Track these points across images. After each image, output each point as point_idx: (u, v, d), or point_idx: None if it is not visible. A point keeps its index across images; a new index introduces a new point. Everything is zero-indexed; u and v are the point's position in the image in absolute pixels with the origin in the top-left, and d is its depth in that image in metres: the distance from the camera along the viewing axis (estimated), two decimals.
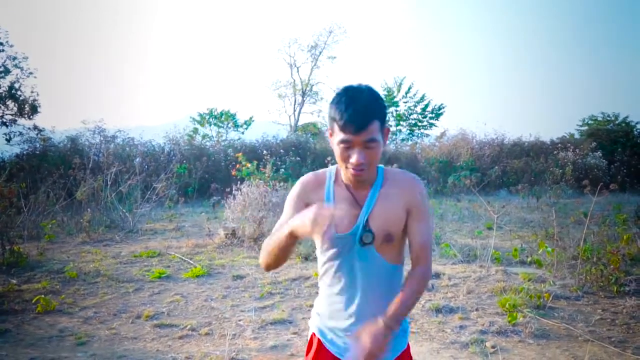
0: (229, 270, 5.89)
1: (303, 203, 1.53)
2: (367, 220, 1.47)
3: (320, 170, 1.61)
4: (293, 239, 1.35)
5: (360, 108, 1.36)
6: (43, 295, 4.58)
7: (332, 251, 1.52)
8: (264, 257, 1.48)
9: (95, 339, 3.82)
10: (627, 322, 4.03)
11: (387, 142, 1.52)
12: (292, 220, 1.34)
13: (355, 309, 1.52)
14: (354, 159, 1.39)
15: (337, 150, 1.42)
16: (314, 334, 1.65)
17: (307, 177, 1.60)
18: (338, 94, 1.43)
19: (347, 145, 1.39)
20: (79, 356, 3.51)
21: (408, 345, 1.63)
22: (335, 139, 1.41)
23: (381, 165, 1.55)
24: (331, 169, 1.59)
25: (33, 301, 4.51)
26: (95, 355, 3.53)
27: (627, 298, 4.59)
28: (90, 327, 4.10)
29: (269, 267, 1.50)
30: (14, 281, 5.31)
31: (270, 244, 1.44)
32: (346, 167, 1.44)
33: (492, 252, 6.08)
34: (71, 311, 4.47)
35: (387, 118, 1.46)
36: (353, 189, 1.51)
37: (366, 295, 1.51)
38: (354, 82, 1.45)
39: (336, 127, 1.40)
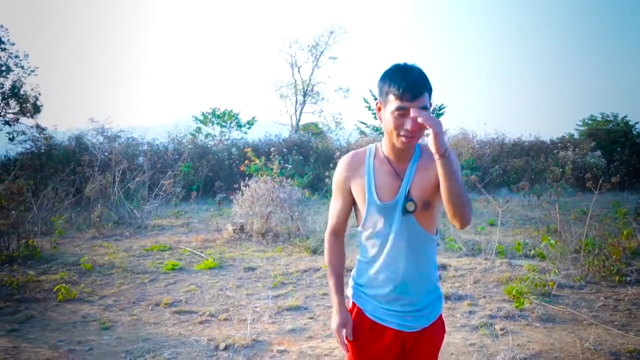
0: (240, 263, 6.03)
1: (347, 187, 1.71)
2: (408, 190, 1.62)
3: (360, 149, 1.76)
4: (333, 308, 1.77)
5: (416, 79, 1.53)
6: (63, 285, 4.71)
7: (375, 220, 1.65)
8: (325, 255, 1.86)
9: (119, 324, 3.96)
10: (629, 308, 4.20)
11: None
12: (334, 310, 1.76)
13: (396, 275, 1.64)
14: (408, 125, 1.53)
15: (390, 119, 1.55)
16: (353, 302, 1.77)
17: (349, 156, 1.75)
18: (390, 70, 1.58)
19: (402, 113, 1.53)
20: (105, 339, 3.66)
21: (441, 314, 1.77)
22: (390, 108, 1.55)
23: (418, 142, 1.69)
24: (371, 146, 1.74)
25: (54, 290, 4.64)
26: (120, 338, 3.67)
27: (629, 287, 4.75)
28: (111, 313, 4.24)
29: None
30: (32, 272, 5.44)
31: (327, 272, 1.82)
32: (398, 135, 1.57)
33: (496, 245, 6.24)
34: (91, 299, 4.61)
35: (432, 93, 1.61)
36: (394, 162, 1.66)
37: (405, 262, 1.63)
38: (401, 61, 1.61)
39: (391, 97, 1.54)
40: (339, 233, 1.79)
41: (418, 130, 1.55)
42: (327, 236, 1.81)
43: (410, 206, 1.61)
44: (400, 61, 1.60)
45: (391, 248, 1.64)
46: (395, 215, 1.62)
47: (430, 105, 1.62)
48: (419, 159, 1.66)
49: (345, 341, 1.73)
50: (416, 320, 1.67)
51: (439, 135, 1.47)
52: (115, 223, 8.79)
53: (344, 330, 1.71)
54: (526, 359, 3.19)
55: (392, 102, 1.55)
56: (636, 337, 3.53)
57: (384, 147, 1.68)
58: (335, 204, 1.76)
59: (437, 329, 1.73)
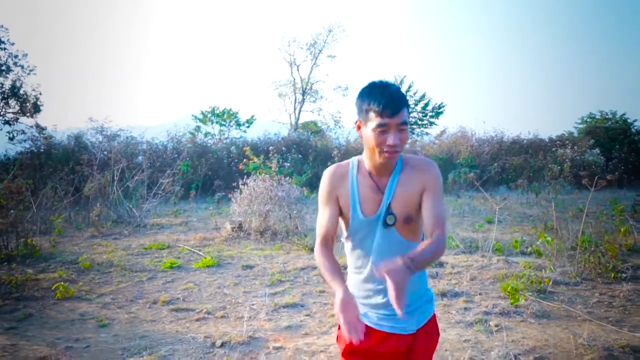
0: (238, 261, 6.05)
1: (334, 198, 1.71)
2: (389, 204, 1.65)
3: (344, 162, 1.77)
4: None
5: (394, 95, 1.55)
6: (61, 283, 4.74)
7: (359, 232, 1.69)
8: (319, 266, 1.68)
9: (116, 322, 3.99)
10: (624, 304, 4.22)
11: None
12: (337, 293, 1.47)
13: (384, 284, 1.64)
14: (390, 140, 1.54)
15: (372, 136, 1.57)
16: None
17: (332, 169, 1.75)
18: (367, 88, 1.60)
19: (384, 129, 1.54)
20: (103, 336, 3.68)
21: (434, 314, 1.79)
22: (371, 125, 1.56)
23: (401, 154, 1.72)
24: (353, 160, 1.75)
25: (52, 288, 4.67)
26: (117, 335, 3.70)
27: (624, 283, 4.77)
28: (109, 311, 4.26)
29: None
30: (31, 271, 5.47)
31: (321, 269, 1.64)
32: (381, 152, 1.58)
33: (493, 243, 6.26)
34: (89, 297, 4.64)
35: (409, 107, 1.63)
36: (375, 176, 1.68)
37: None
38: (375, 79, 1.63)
39: (372, 115, 1.55)
40: (329, 243, 1.72)
41: (401, 144, 1.57)
42: (317, 247, 1.70)
43: (390, 219, 1.63)
44: (376, 79, 1.63)
45: (375, 259, 1.66)
46: (378, 228, 1.65)
47: (408, 122, 1.62)
48: (400, 172, 1.67)
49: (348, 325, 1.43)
50: (407, 322, 1.69)
51: (398, 294, 1.37)
52: (114, 222, 8.82)
53: (349, 309, 1.43)
54: (520, 354, 3.21)
55: (373, 120, 1.56)
56: (630, 332, 3.56)
57: (366, 161, 1.70)
58: (323, 214, 1.72)
59: (430, 330, 1.75)
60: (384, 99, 1.53)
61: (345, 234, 1.75)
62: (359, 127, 1.64)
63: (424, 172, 1.66)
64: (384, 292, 1.66)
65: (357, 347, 1.70)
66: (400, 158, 1.69)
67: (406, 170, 1.67)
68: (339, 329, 1.79)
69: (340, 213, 1.73)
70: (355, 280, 1.76)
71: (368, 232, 1.66)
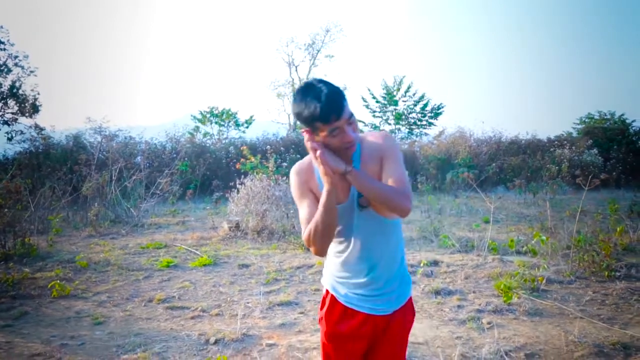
0: (234, 260, 6.08)
1: (307, 189, 1.72)
2: None
3: (305, 158, 1.78)
4: (332, 195, 1.56)
5: (330, 96, 1.51)
6: (57, 282, 4.76)
7: (339, 222, 1.68)
8: (315, 242, 1.60)
9: (111, 320, 4.01)
10: (616, 302, 4.25)
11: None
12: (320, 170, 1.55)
13: (364, 266, 1.71)
14: (347, 138, 1.56)
15: (327, 141, 1.57)
16: (327, 290, 1.84)
17: (297, 167, 1.77)
18: (301, 96, 1.55)
19: (336, 132, 1.55)
20: (98, 334, 3.71)
21: (411, 297, 1.84)
22: (323, 133, 1.55)
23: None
24: None
25: (49, 286, 4.70)
26: (112, 333, 3.72)
27: (618, 282, 4.80)
28: (105, 309, 4.29)
29: (323, 248, 1.64)
30: (27, 269, 5.49)
31: (318, 222, 1.58)
32: (341, 149, 1.59)
33: (489, 242, 6.29)
34: (85, 296, 4.66)
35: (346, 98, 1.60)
36: None
37: (371, 252, 1.70)
38: (299, 85, 1.61)
39: (319, 124, 1.53)
40: None
41: (355, 135, 1.59)
42: (305, 231, 1.69)
43: (364, 201, 1.66)
44: (300, 85, 1.59)
45: (355, 242, 1.70)
46: (354, 212, 1.68)
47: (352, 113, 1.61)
48: (360, 155, 1.68)
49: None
50: (386, 303, 1.73)
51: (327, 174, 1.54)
52: (112, 221, 8.84)
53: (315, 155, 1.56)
54: (511, 351, 3.24)
55: (322, 129, 1.55)
56: (621, 329, 3.58)
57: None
58: (303, 208, 1.71)
59: (406, 312, 1.80)
60: (324, 105, 1.49)
61: None
62: (310, 134, 1.59)
63: (380, 145, 1.67)
64: (365, 271, 1.71)
65: (338, 331, 1.76)
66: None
67: (365, 149, 1.68)
68: (321, 308, 1.84)
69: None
70: (335, 263, 1.78)
71: (346, 217, 1.69)
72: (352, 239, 1.71)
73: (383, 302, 1.73)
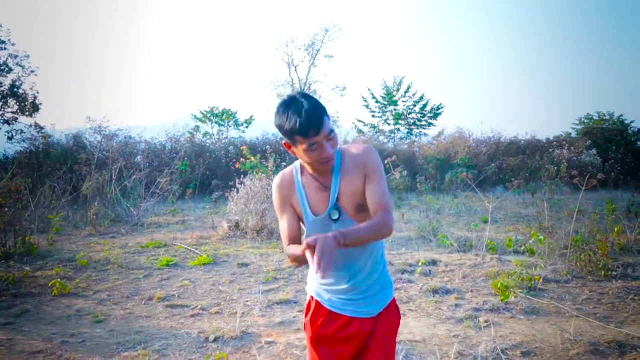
0: (234, 259, 6.11)
1: (289, 205, 1.76)
2: (337, 199, 1.70)
3: (286, 169, 1.82)
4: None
5: (311, 111, 1.54)
6: (58, 280, 4.79)
7: (316, 231, 1.72)
8: (290, 261, 1.69)
9: (112, 318, 4.05)
10: (612, 301, 4.28)
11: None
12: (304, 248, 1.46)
13: (345, 274, 1.75)
14: (325, 154, 1.59)
15: (306, 156, 1.61)
16: (311, 296, 1.88)
17: (278, 180, 1.80)
18: (281, 112, 1.59)
19: (314, 147, 1.58)
20: (98, 332, 3.74)
21: (394, 298, 1.87)
22: (301, 147, 1.59)
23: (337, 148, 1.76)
24: (295, 164, 1.80)
25: (49, 285, 4.73)
26: (112, 331, 3.75)
27: (614, 281, 4.84)
28: (105, 307, 4.32)
29: (298, 266, 1.72)
30: (28, 268, 5.52)
31: (291, 256, 1.65)
32: (319, 164, 1.63)
33: (487, 242, 6.32)
34: (85, 294, 4.69)
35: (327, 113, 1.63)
36: (319, 177, 1.73)
37: (351, 261, 1.74)
38: (281, 99, 1.64)
39: (298, 138, 1.57)
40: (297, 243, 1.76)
41: (334, 151, 1.62)
42: (286, 246, 1.75)
43: (334, 214, 1.69)
44: (283, 98, 1.64)
45: (337, 251, 1.72)
46: (332, 223, 1.71)
47: (333, 129, 1.64)
48: (341, 166, 1.71)
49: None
50: (369, 306, 1.77)
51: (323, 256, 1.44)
52: (112, 221, 8.87)
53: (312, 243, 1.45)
54: (507, 349, 3.27)
55: (301, 142, 1.58)
56: (616, 328, 3.62)
57: (307, 167, 1.73)
58: (284, 223, 1.76)
59: (391, 314, 1.83)
60: (304, 119, 1.53)
61: (304, 234, 1.81)
62: (288, 147, 1.65)
63: (362, 159, 1.70)
64: (346, 278, 1.75)
65: (323, 333, 1.79)
66: (338, 152, 1.72)
67: (345, 161, 1.71)
68: (305, 315, 1.87)
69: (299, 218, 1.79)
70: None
71: (323, 229, 1.69)
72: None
73: (366, 305, 1.77)
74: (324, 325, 1.79)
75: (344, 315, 1.77)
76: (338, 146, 1.69)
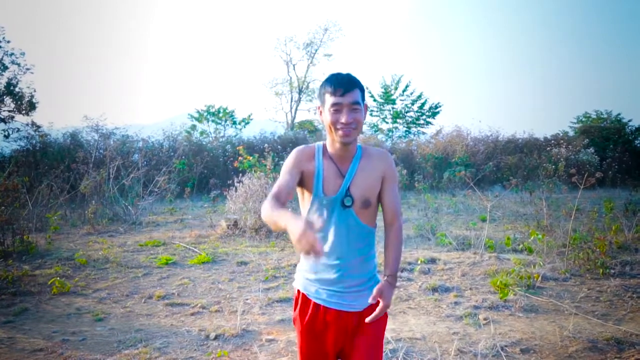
0: (233, 258, 6.11)
1: (298, 170, 1.80)
2: (348, 187, 1.77)
3: (311, 144, 1.89)
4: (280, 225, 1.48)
5: (345, 77, 1.73)
6: (57, 279, 4.78)
7: (319, 211, 1.78)
8: (264, 218, 1.58)
9: (112, 316, 4.05)
10: (610, 299, 4.31)
11: (366, 117, 1.81)
12: (289, 222, 1.40)
13: (337, 262, 1.77)
14: (343, 118, 1.69)
15: (328, 116, 1.71)
16: (299, 290, 1.88)
17: (301, 148, 1.86)
18: (325, 79, 1.77)
19: (337, 108, 1.69)
20: (98, 330, 3.74)
21: None
22: (327, 106, 1.72)
23: (359, 144, 1.85)
24: (319, 144, 1.86)
25: (49, 283, 4.72)
26: (113, 329, 3.75)
27: (612, 279, 4.86)
28: (105, 306, 4.32)
29: (269, 224, 1.61)
30: (27, 267, 5.51)
31: (268, 216, 1.54)
32: (336, 129, 1.71)
33: (486, 240, 6.34)
34: (85, 293, 4.69)
35: (364, 94, 1.77)
36: (337, 162, 1.80)
37: (346, 250, 1.77)
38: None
39: (327, 97, 1.72)
40: (280, 200, 1.66)
41: (355, 122, 1.70)
42: (267, 200, 1.63)
43: (348, 201, 1.75)
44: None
45: (333, 237, 1.77)
46: (336, 208, 1.76)
47: (366, 106, 1.78)
48: (360, 159, 1.82)
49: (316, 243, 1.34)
50: (356, 300, 1.79)
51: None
52: (110, 219, 8.85)
53: (301, 231, 1.33)
54: (506, 346, 3.29)
55: (328, 100, 1.72)
56: (614, 325, 3.64)
57: (329, 147, 1.82)
58: (283, 178, 1.75)
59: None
60: (337, 81, 1.71)
61: (305, 210, 1.83)
62: (321, 113, 1.78)
63: (383, 161, 1.83)
64: (336, 268, 1.77)
65: (310, 327, 1.81)
66: (360, 147, 1.84)
67: (365, 157, 1.82)
68: (294, 309, 1.89)
69: (303, 189, 1.82)
70: (308, 257, 1.80)
71: (327, 211, 1.76)
72: (329, 233, 1.77)
73: (353, 299, 1.78)
74: (312, 319, 1.81)
75: (330, 309, 1.79)
76: (360, 138, 1.75)
